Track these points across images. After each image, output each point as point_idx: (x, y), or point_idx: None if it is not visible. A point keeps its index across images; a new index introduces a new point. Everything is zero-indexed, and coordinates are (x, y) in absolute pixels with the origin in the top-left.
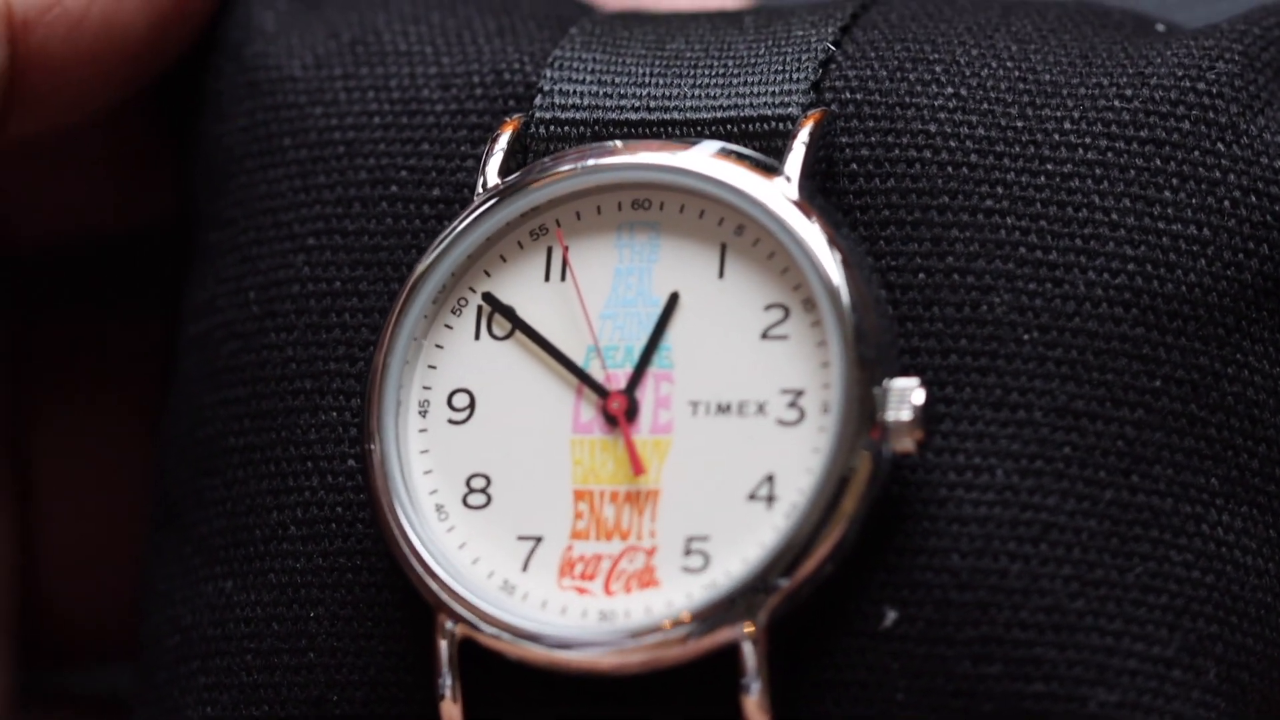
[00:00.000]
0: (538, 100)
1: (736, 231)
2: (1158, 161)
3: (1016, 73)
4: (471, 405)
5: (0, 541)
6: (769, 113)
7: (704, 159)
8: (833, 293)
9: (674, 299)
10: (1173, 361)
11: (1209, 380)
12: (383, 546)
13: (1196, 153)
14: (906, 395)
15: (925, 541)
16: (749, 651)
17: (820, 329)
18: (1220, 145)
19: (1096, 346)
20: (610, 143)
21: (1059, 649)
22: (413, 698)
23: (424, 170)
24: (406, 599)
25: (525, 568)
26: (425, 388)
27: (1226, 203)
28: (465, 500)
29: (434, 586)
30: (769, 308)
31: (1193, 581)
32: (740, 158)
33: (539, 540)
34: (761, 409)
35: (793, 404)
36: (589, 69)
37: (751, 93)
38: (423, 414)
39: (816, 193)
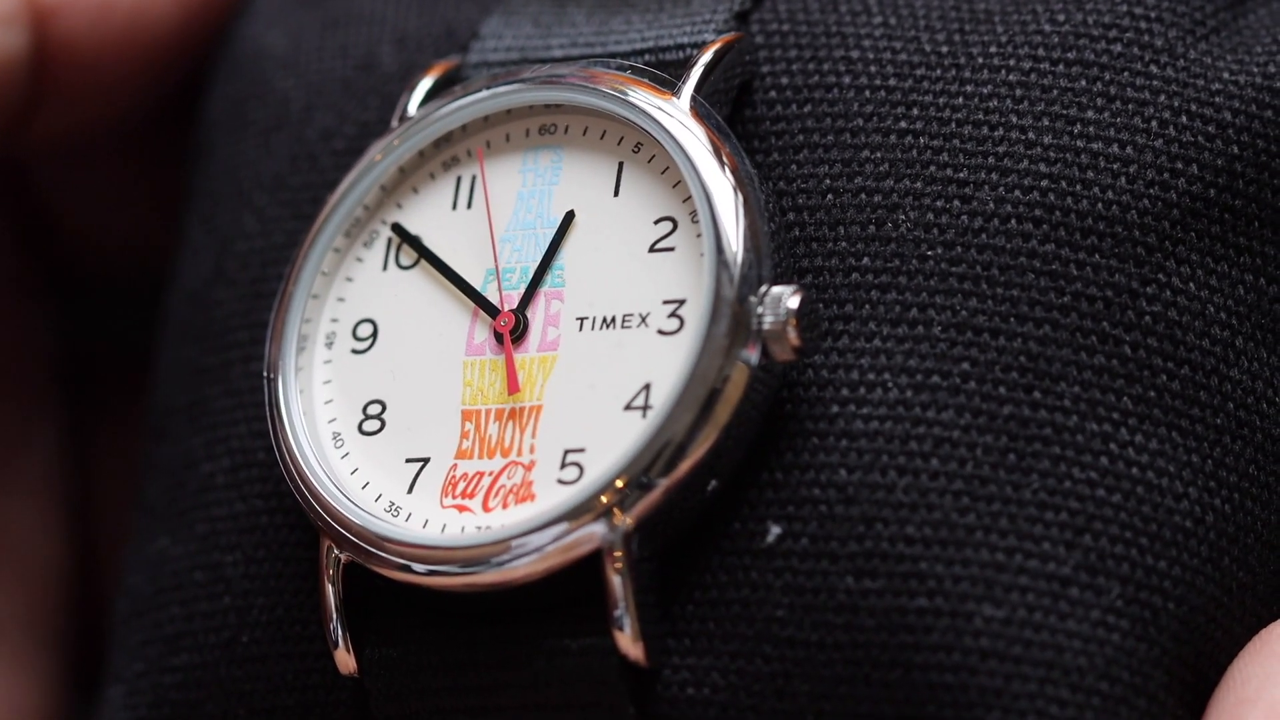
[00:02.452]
0: (472, 44)
1: (634, 149)
2: (1083, 82)
3: (950, 2)
4: (374, 334)
5: (62, 557)
6: (684, 40)
7: (607, 78)
8: (708, 198)
9: (569, 218)
10: (1084, 278)
11: (1124, 298)
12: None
13: (1125, 74)
14: (781, 301)
15: (814, 458)
16: (614, 579)
17: (704, 239)
18: (1153, 67)
19: (1002, 262)
20: (520, 69)
21: (944, 564)
22: (316, 634)
23: (370, 124)
24: (312, 538)
25: (410, 489)
26: (333, 320)
27: (1154, 123)
28: (360, 427)
29: (319, 511)
30: (659, 221)
31: (1096, 500)
32: (638, 76)
33: (426, 461)
34: (644, 320)
35: (673, 314)
36: (529, 16)
37: (675, 24)
38: (329, 346)
39: (713, 112)
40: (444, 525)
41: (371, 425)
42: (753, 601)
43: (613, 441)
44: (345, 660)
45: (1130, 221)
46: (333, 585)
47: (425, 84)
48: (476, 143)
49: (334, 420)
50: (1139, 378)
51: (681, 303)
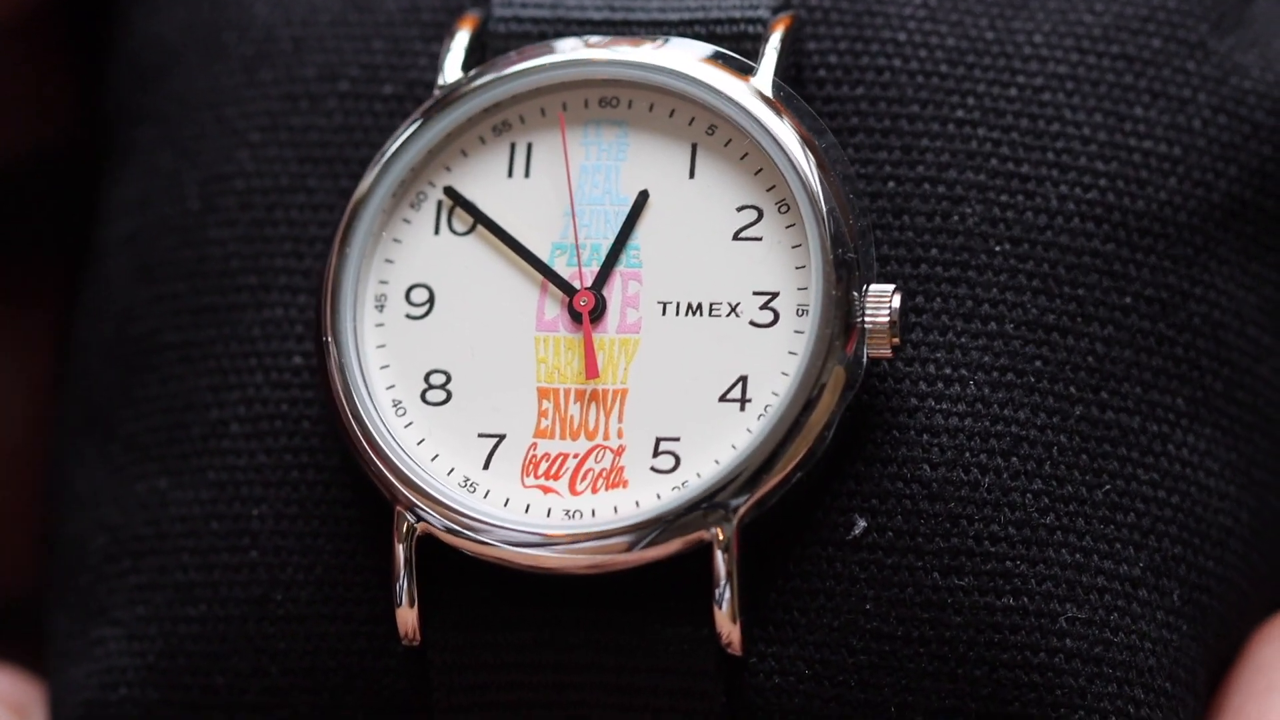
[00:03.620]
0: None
1: (708, 131)
2: (1129, 78)
3: None
4: (430, 301)
5: None
6: (737, 15)
7: (678, 57)
8: (811, 196)
9: (643, 197)
10: (1142, 279)
11: (1177, 299)
12: (333, 444)
13: (1167, 70)
14: (884, 300)
15: (895, 451)
16: (720, 559)
17: (795, 231)
18: (1191, 64)
19: (1068, 261)
20: (578, 38)
21: (1029, 563)
22: (361, 598)
23: (375, 67)
24: (357, 498)
25: (487, 466)
26: (382, 282)
27: (1197, 121)
28: (424, 396)
29: (394, 481)
30: (741, 209)
31: (1159, 501)
32: (714, 57)
33: (501, 438)
34: (734, 310)
35: (766, 306)
36: None
37: None
38: (379, 309)
39: (795, 96)
40: (527, 505)
41: (436, 395)
42: (838, 593)
43: (709, 432)
44: (408, 619)
45: (1180, 222)
46: (404, 544)
47: (463, 40)
48: (529, 109)
49: (393, 387)
50: (1190, 378)
51: (774, 295)
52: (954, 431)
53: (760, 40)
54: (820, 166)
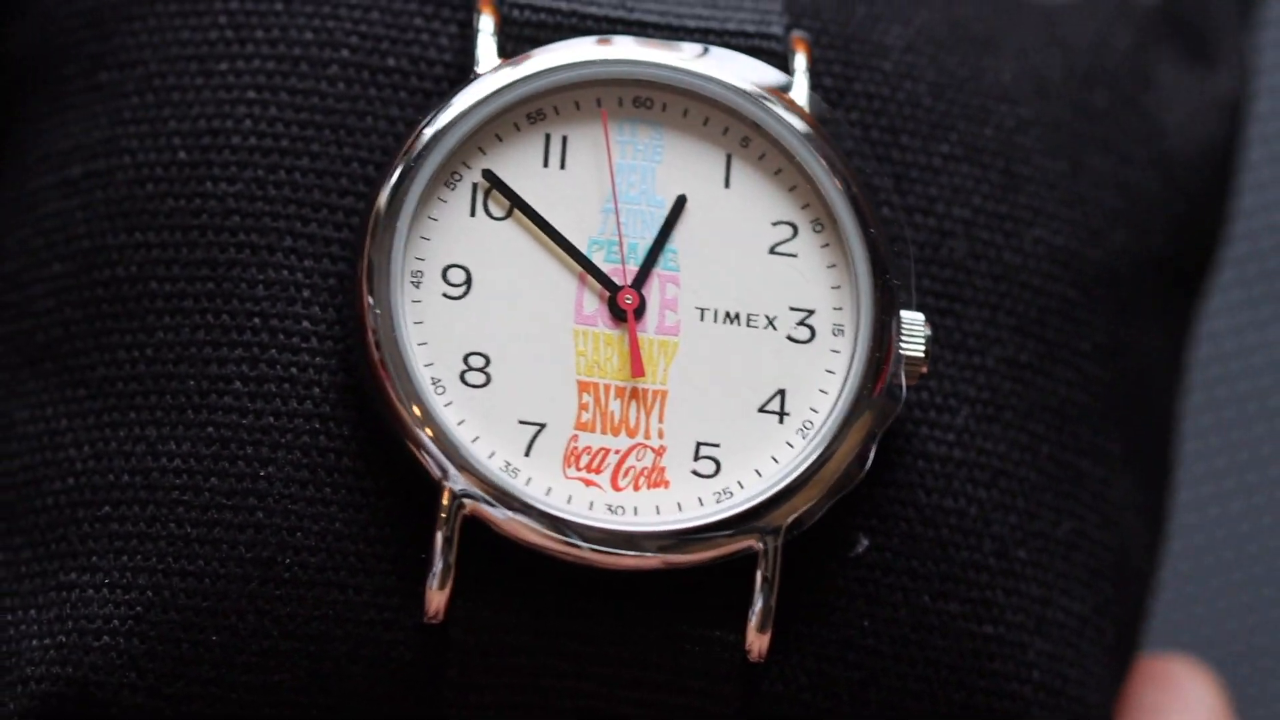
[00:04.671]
0: None
1: (742, 143)
2: (1084, 126)
3: (946, 22)
4: (468, 282)
5: None
6: (751, 29)
7: (719, 66)
8: (861, 223)
9: (681, 201)
10: (1096, 326)
11: (1120, 348)
12: (346, 412)
13: (1113, 123)
14: (918, 328)
15: (894, 474)
16: (761, 572)
17: (830, 251)
18: (1131, 119)
19: (1039, 303)
20: (617, 36)
21: (1005, 594)
22: (373, 569)
23: (375, 38)
24: (371, 468)
25: (527, 453)
26: (418, 259)
27: (1135, 176)
28: (463, 378)
29: (443, 458)
30: (777, 224)
31: (1101, 544)
32: (750, 70)
33: (542, 427)
34: (771, 323)
35: (803, 322)
36: None
37: (728, 6)
38: (415, 285)
39: (831, 115)
40: (569, 496)
41: (476, 378)
42: (838, 608)
43: (749, 442)
44: (437, 600)
45: (1124, 274)
46: (447, 524)
47: (489, 26)
48: (564, 100)
49: (431, 365)
50: (1126, 425)
51: (810, 313)
52: (944, 460)
53: (774, 55)
54: (861, 189)
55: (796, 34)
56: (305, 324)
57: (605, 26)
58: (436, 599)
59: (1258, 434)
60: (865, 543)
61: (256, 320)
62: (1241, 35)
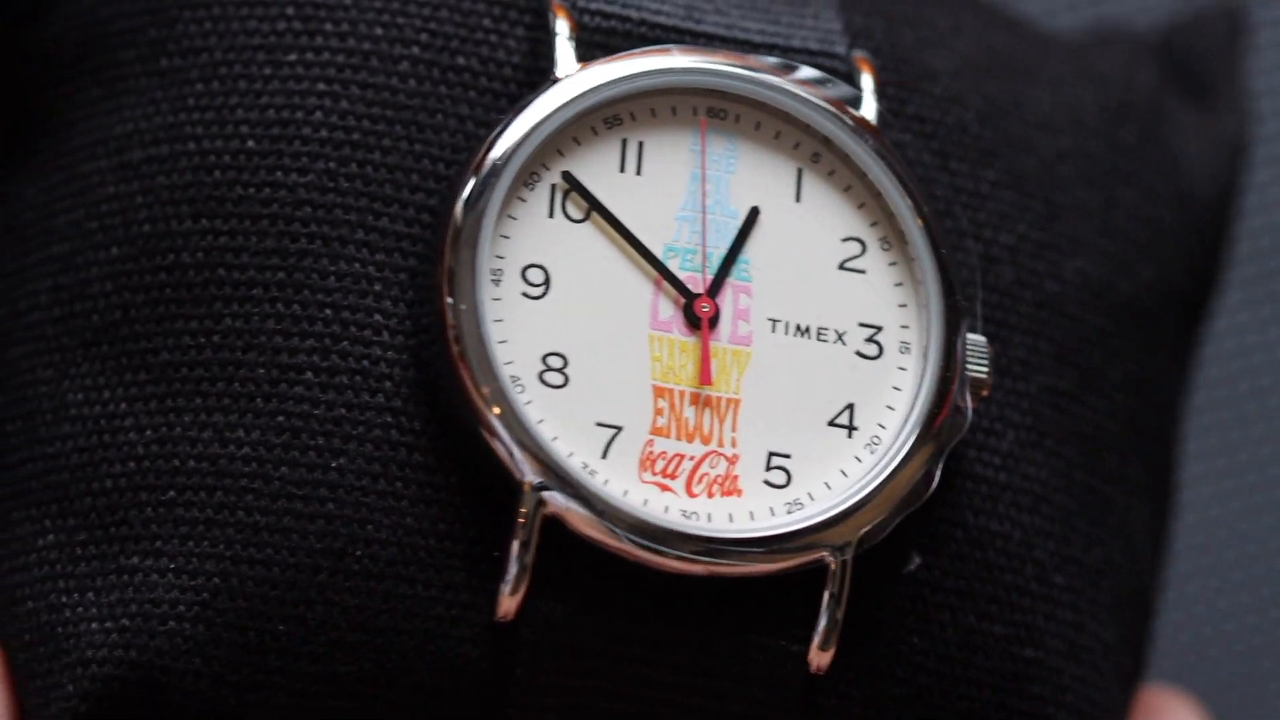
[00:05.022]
0: None
1: (813, 158)
2: (1117, 160)
3: (986, 50)
4: (547, 282)
5: None
6: (815, 46)
7: (794, 81)
8: (932, 243)
9: (755, 213)
10: (1126, 357)
11: (1145, 379)
12: (418, 407)
13: (1140, 159)
14: (983, 351)
15: (944, 494)
16: (831, 586)
17: (896, 270)
18: (1155, 155)
19: (1077, 331)
20: (693, 44)
21: (1045, 619)
22: (442, 565)
23: (444, 36)
24: (442, 464)
25: (604, 455)
26: (499, 257)
27: (1159, 211)
28: (542, 377)
29: (525, 458)
30: (846, 240)
31: (1126, 571)
32: (823, 87)
33: (619, 430)
34: (841, 338)
35: (871, 339)
36: None
37: (795, 22)
38: (496, 283)
39: (895, 134)
40: (645, 500)
41: (554, 378)
42: (890, 624)
43: (819, 454)
44: (510, 602)
45: (1150, 307)
46: (527, 525)
47: (565, 31)
48: (640, 107)
49: (510, 364)
50: (1148, 456)
51: (878, 329)
52: (991, 483)
53: (837, 74)
54: (931, 209)
55: (859, 54)
56: (377, 317)
57: (673, 37)
58: (510, 600)
59: (1257, 434)
60: (918, 560)
61: (328, 311)
62: (1240, 78)
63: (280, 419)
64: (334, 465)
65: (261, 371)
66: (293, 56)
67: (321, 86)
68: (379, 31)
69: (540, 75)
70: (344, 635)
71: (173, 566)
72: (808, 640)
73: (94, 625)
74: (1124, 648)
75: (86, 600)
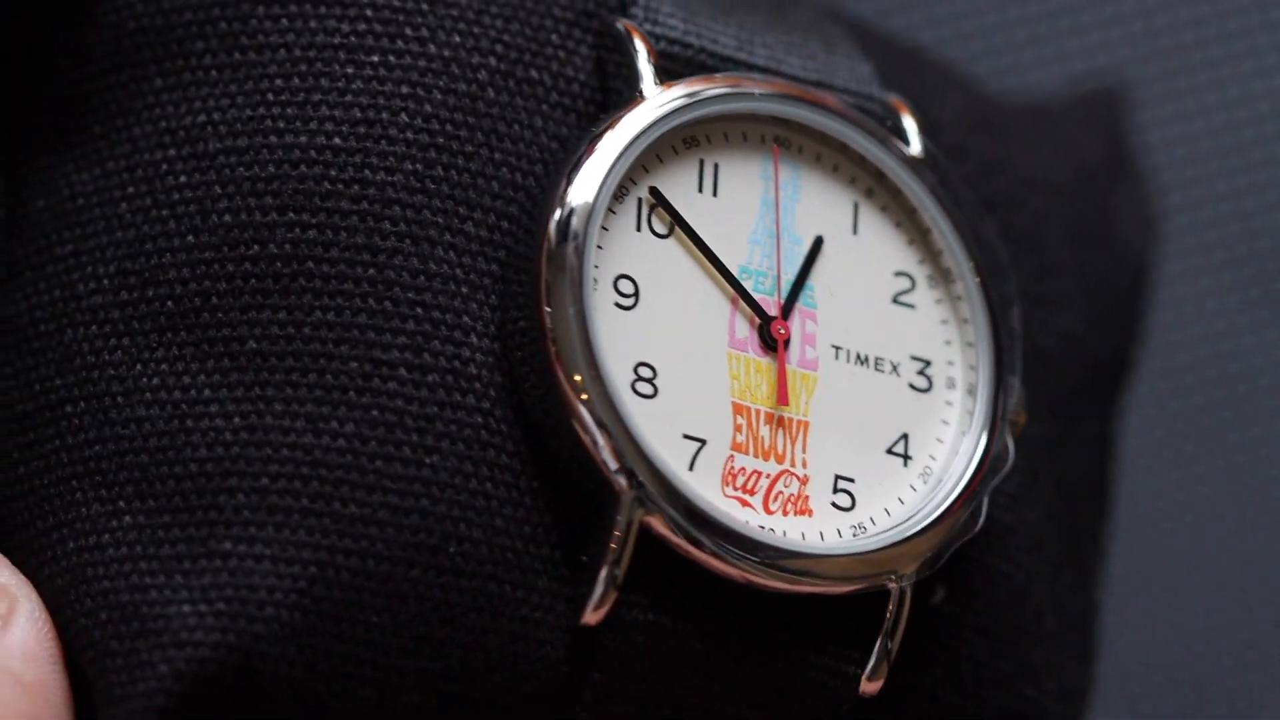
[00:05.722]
0: (638, 13)
1: (867, 193)
2: (1086, 224)
3: (971, 109)
4: (636, 294)
5: None
6: (854, 87)
7: (855, 116)
8: (983, 285)
9: (819, 242)
10: (1094, 415)
11: (1105, 438)
12: (506, 411)
13: (1102, 224)
14: (1016, 390)
15: None
16: (891, 612)
17: (942, 307)
18: (1113, 221)
19: (1063, 386)
20: (763, 74)
21: (1041, 659)
22: (528, 567)
23: (518, 49)
24: (529, 469)
25: (691, 468)
26: (595, 265)
27: (1118, 275)
28: (634, 387)
29: (623, 468)
30: (898, 274)
31: (1092, 620)
32: (878, 124)
33: (703, 443)
34: (895, 369)
35: (921, 372)
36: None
37: (827, 62)
38: (593, 291)
39: (948, 174)
40: (730, 513)
41: (645, 388)
42: (917, 653)
43: (879, 481)
44: (597, 612)
45: (1113, 369)
46: (622, 532)
47: (644, 53)
48: (714, 130)
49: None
50: (1104, 509)
51: (928, 363)
52: (999, 523)
53: (888, 118)
54: (980, 250)
55: (894, 96)
56: (465, 319)
57: (729, 66)
58: (600, 605)
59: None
60: (943, 593)
61: (419, 310)
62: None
63: (374, 413)
64: (428, 462)
65: (354, 365)
66: (375, 58)
67: (405, 89)
68: (457, 39)
69: (605, 93)
70: (433, 631)
71: (269, 553)
72: (862, 663)
73: (186, 608)
74: (1090, 695)
75: (175, 582)
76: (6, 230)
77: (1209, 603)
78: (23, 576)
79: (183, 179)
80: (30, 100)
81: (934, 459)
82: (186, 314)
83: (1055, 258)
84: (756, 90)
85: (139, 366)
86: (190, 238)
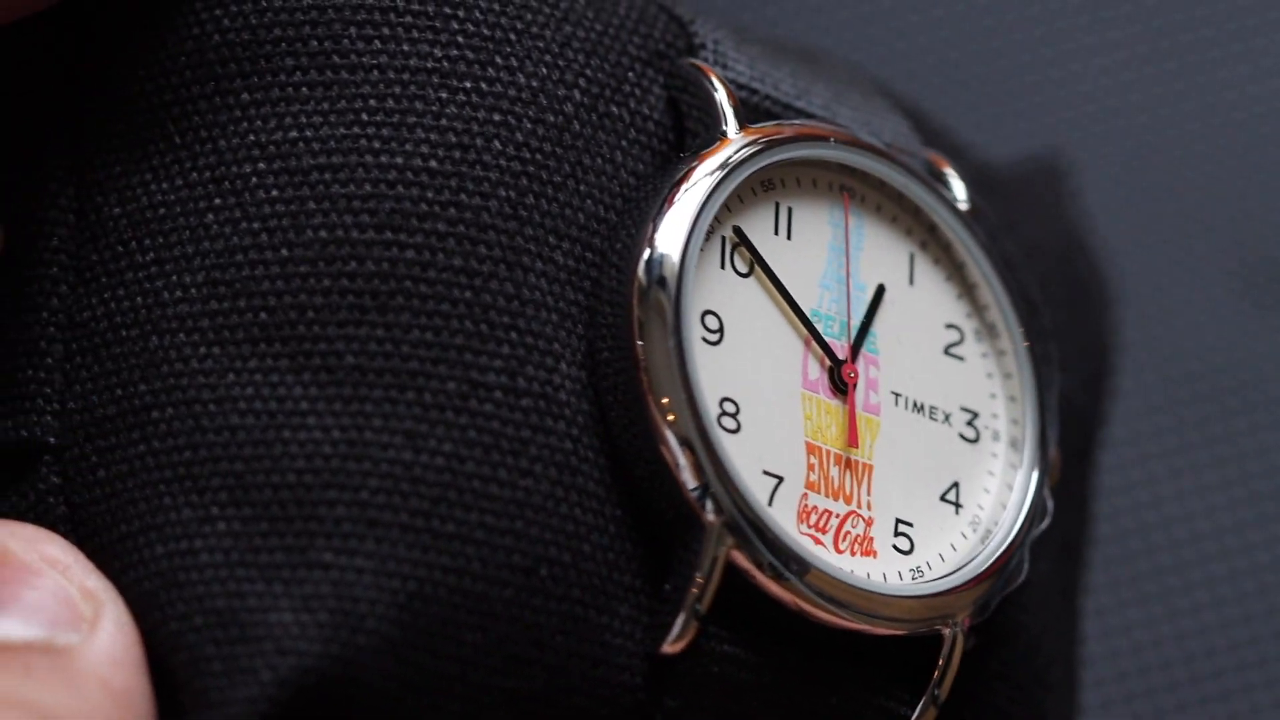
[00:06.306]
0: (708, 55)
1: (921, 245)
2: (1075, 291)
3: (974, 172)
4: (721, 330)
5: None
6: (900, 142)
7: (917, 168)
8: (1029, 342)
9: (881, 290)
10: (1077, 478)
11: (1088, 498)
12: (592, 438)
13: (1086, 292)
14: (1057, 449)
15: None
16: (945, 655)
17: (987, 360)
18: (1089, 290)
19: (1064, 446)
20: (832, 124)
21: (1049, 709)
22: (613, 593)
23: (599, 84)
24: (613, 496)
25: (770, 503)
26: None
27: (1092, 342)
28: (720, 421)
29: (716, 498)
30: (948, 327)
31: (1077, 673)
32: (933, 177)
33: (781, 480)
34: (947, 419)
35: (970, 423)
36: (728, 41)
37: (871, 115)
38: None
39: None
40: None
41: (729, 423)
42: (949, 697)
43: (934, 526)
44: (684, 638)
45: (1095, 430)
46: (709, 563)
47: (725, 97)
48: (787, 174)
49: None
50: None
51: (975, 415)
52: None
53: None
54: (1025, 305)
55: (934, 152)
56: (556, 346)
57: (790, 114)
58: (682, 635)
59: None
60: (973, 640)
61: (514, 334)
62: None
63: (471, 433)
64: (522, 484)
65: (452, 385)
66: (468, 84)
67: (497, 117)
68: (544, 71)
69: (679, 133)
70: (522, 651)
71: (369, 566)
72: (912, 704)
73: (287, 616)
74: None
75: (274, 590)
76: (77, 235)
77: (1208, 603)
78: (107, 581)
79: (274, 193)
80: (103, 108)
81: (981, 508)
82: (280, 325)
83: (1055, 320)
84: (830, 138)
85: (231, 375)
86: (284, 251)
